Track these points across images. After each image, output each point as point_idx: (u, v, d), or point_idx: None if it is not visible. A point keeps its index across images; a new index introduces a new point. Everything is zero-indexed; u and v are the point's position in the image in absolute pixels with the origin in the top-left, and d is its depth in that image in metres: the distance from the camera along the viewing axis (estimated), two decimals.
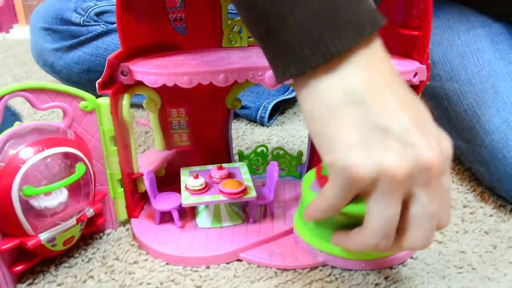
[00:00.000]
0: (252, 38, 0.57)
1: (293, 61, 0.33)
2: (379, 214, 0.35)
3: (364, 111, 0.33)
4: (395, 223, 0.35)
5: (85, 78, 0.90)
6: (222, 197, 0.51)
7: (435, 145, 0.34)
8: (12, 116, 0.63)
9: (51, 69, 0.94)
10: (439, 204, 0.35)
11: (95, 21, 0.88)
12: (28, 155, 0.42)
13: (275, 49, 0.34)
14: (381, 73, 0.34)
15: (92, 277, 0.47)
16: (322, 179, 0.46)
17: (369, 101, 0.33)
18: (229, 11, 0.56)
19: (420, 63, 0.49)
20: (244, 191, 0.51)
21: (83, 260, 0.49)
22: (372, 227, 0.35)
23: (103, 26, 0.88)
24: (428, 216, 0.35)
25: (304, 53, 0.32)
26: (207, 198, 0.51)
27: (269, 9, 0.32)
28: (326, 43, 0.32)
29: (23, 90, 0.44)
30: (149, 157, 0.59)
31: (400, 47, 0.52)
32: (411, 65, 0.49)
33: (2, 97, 0.42)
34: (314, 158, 0.62)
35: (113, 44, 0.88)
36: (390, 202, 0.34)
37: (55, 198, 0.44)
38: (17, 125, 0.45)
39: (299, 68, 0.33)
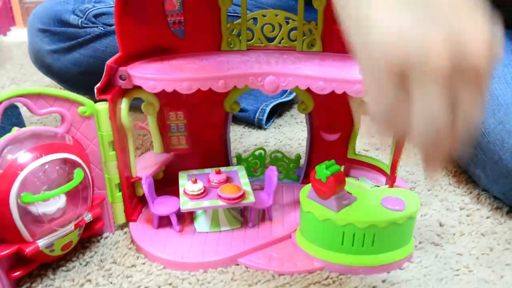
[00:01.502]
0: (251, 41, 0.57)
1: None
2: (425, 103, 0.29)
3: None
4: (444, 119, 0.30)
5: (82, 80, 0.90)
6: (221, 202, 0.51)
7: (482, 32, 0.29)
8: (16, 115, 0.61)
9: (49, 70, 0.94)
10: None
11: (93, 23, 0.88)
12: (26, 162, 0.42)
13: None
14: None
15: (89, 280, 0.47)
16: (316, 182, 0.47)
17: None
18: (228, 14, 0.56)
19: None
20: (243, 196, 0.51)
21: (80, 264, 0.49)
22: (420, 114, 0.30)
23: (101, 28, 0.88)
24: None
25: None
26: (206, 203, 0.51)
27: None
28: None
29: (21, 95, 0.44)
30: (147, 160, 0.59)
31: None
32: None
33: (0, 103, 0.42)
34: (312, 161, 0.62)
35: (111, 46, 0.88)
36: (433, 93, 0.29)
37: (53, 204, 0.44)
38: (15, 130, 0.45)
39: None
